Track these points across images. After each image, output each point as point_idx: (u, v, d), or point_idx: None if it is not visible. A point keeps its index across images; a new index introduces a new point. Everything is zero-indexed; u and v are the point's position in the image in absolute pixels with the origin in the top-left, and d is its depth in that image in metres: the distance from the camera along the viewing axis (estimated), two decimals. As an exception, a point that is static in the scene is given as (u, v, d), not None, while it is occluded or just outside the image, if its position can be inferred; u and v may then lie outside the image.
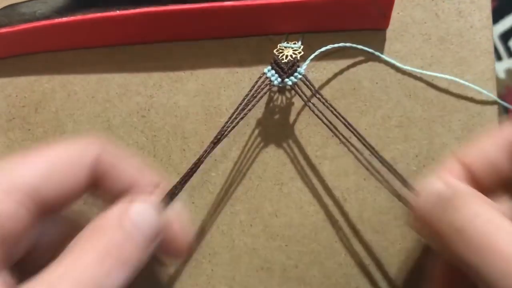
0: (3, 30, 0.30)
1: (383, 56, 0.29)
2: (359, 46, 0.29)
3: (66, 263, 0.18)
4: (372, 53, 0.29)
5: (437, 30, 0.30)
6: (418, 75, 0.29)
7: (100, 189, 0.22)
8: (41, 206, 0.20)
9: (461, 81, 0.29)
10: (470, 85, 0.29)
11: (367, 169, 0.29)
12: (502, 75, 0.44)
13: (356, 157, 0.30)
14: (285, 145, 0.30)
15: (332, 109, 0.28)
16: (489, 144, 0.22)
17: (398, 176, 0.27)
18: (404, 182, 0.27)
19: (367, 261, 0.30)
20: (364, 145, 0.28)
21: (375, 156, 0.28)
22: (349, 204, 0.30)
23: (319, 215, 0.30)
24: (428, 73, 0.29)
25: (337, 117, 0.28)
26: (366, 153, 0.29)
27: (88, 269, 0.17)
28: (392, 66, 0.29)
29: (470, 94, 0.29)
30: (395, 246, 0.29)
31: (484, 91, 0.29)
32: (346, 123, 0.28)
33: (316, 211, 0.30)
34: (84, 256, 0.18)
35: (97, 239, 0.19)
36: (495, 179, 0.22)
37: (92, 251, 0.18)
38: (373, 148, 0.28)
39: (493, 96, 0.29)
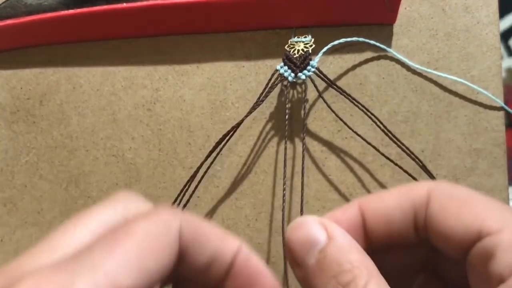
0: (9, 21, 0.30)
1: (394, 53, 0.29)
2: (372, 42, 0.29)
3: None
4: (384, 49, 0.29)
5: (444, 25, 0.30)
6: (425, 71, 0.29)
7: (182, 266, 0.19)
8: None
9: (469, 84, 0.29)
10: (477, 88, 0.29)
11: (373, 164, 0.29)
12: (502, 74, 0.44)
13: (361, 152, 0.30)
14: (291, 140, 0.30)
15: (351, 99, 0.28)
16: (392, 198, 0.21)
17: (419, 161, 0.28)
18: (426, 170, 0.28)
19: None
20: (385, 133, 0.28)
21: (398, 145, 0.28)
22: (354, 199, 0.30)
23: (324, 210, 0.30)
24: (437, 73, 0.29)
25: (355, 105, 0.28)
26: (372, 148, 0.29)
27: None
28: (399, 62, 0.29)
29: (476, 90, 0.29)
30: (400, 242, 0.29)
31: (489, 95, 0.29)
32: (365, 110, 0.28)
33: (321, 206, 0.30)
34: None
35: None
36: (387, 234, 0.21)
37: None
38: (393, 135, 0.28)
39: (497, 99, 0.29)
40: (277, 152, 0.30)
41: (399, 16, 0.29)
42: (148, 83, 0.30)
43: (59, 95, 0.31)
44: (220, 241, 0.19)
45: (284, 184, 0.28)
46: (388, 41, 0.30)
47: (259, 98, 0.28)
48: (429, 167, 0.29)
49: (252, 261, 0.19)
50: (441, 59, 0.29)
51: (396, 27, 0.30)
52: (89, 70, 0.31)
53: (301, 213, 0.27)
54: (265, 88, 0.28)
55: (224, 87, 0.30)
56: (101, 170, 0.30)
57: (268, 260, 0.30)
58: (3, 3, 0.30)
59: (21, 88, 0.31)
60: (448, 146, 0.29)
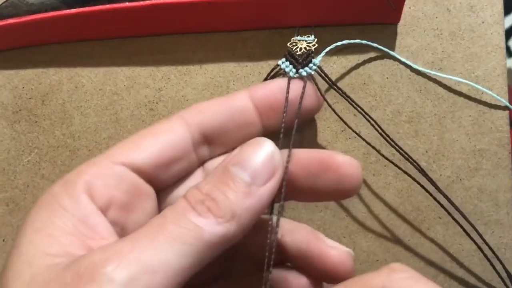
0: (11, 21, 0.29)
1: (397, 56, 0.29)
2: (374, 44, 0.29)
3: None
4: (387, 52, 0.29)
5: (448, 25, 0.29)
6: (429, 70, 0.29)
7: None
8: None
9: (474, 84, 0.29)
10: (482, 88, 0.29)
11: (377, 164, 0.29)
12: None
13: (365, 153, 0.29)
14: (294, 140, 0.30)
15: (350, 101, 0.28)
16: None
17: (416, 165, 0.28)
18: (425, 174, 0.27)
19: (375, 257, 0.29)
20: (383, 136, 0.28)
21: (394, 148, 0.28)
22: (358, 200, 0.29)
23: (328, 210, 0.30)
24: (441, 75, 0.29)
25: (354, 107, 0.28)
26: (376, 148, 0.29)
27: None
28: (403, 62, 0.29)
29: (480, 90, 0.29)
30: (404, 242, 0.29)
31: (494, 94, 0.29)
32: (363, 113, 0.28)
33: (324, 206, 0.30)
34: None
35: None
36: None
37: None
38: (391, 139, 0.28)
39: (502, 99, 0.29)
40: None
41: (403, 16, 0.29)
42: (150, 83, 0.30)
43: (61, 95, 0.31)
44: None
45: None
46: (392, 40, 0.29)
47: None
48: (433, 167, 0.29)
49: None
50: (445, 59, 0.29)
51: (400, 27, 0.29)
52: (91, 70, 0.31)
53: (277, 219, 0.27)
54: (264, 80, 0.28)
55: (227, 87, 0.30)
56: (104, 170, 0.30)
57: (271, 261, 0.30)
58: (4, 2, 0.30)
59: (23, 88, 0.31)
60: (452, 146, 0.29)
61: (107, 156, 0.23)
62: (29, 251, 0.20)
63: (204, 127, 0.25)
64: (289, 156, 0.24)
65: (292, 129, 0.25)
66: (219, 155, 0.26)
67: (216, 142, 0.26)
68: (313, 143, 0.30)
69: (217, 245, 0.20)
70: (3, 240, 0.31)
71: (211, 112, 0.25)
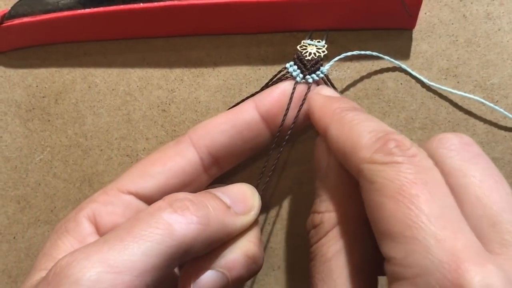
0: (26, 19, 0.30)
1: (409, 70, 0.29)
2: (386, 57, 0.28)
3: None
4: (399, 65, 0.29)
5: (464, 31, 0.29)
6: (444, 77, 0.29)
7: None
8: None
9: (483, 100, 0.29)
10: (490, 104, 0.29)
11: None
12: None
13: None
14: (305, 144, 0.30)
15: None
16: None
17: None
18: None
19: (386, 263, 0.29)
20: None
21: None
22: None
23: (338, 215, 0.29)
24: (453, 91, 0.29)
25: None
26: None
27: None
28: (417, 68, 0.29)
29: (495, 98, 0.29)
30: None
31: (502, 110, 0.28)
32: None
33: (335, 212, 0.29)
34: None
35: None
36: None
37: None
38: None
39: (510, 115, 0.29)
40: (290, 156, 0.30)
41: (418, 21, 0.29)
42: (163, 84, 0.30)
43: (75, 94, 0.31)
44: None
45: (266, 177, 0.28)
46: (407, 46, 0.29)
47: (263, 87, 0.28)
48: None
49: None
50: (460, 65, 0.29)
51: (416, 32, 0.29)
52: (104, 70, 0.31)
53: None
54: (268, 82, 0.28)
55: (240, 90, 0.30)
56: (115, 170, 0.30)
57: (279, 265, 0.30)
58: (20, 0, 0.30)
59: (37, 86, 0.31)
60: (466, 154, 0.29)
61: (117, 184, 0.24)
62: (30, 271, 0.22)
63: (213, 148, 0.25)
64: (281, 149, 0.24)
65: (298, 134, 0.25)
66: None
67: (226, 159, 0.26)
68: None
69: (186, 245, 0.20)
70: (14, 238, 0.31)
71: (219, 131, 0.25)
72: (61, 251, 0.21)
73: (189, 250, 0.20)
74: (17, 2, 0.30)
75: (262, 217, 0.30)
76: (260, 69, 0.30)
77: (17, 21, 0.29)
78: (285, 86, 0.26)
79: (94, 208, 0.23)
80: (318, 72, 0.27)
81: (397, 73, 0.29)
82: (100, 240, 0.20)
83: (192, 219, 0.20)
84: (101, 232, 0.23)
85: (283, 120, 0.25)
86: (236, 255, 0.23)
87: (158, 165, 0.24)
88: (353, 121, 0.21)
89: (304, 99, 0.26)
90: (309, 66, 0.27)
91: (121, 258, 0.19)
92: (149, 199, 0.24)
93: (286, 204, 0.30)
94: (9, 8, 0.29)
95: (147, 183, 0.24)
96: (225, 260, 0.23)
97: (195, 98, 0.30)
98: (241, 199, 0.24)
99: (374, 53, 0.28)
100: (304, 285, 0.30)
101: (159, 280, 0.20)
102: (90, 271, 0.18)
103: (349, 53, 0.28)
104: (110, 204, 0.23)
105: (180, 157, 0.24)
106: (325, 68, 0.27)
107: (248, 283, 0.30)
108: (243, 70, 0.30)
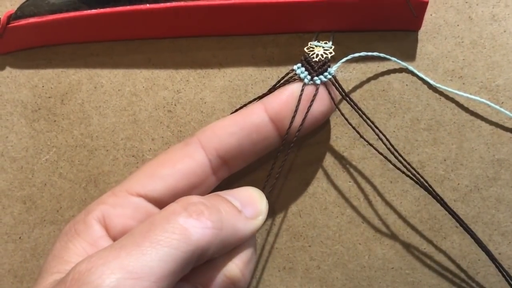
0: (32, 20, 0.30)
1: (415, 71, 0.29)
2: (392, 58, 0.28)
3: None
4: (405, 67, 0.29)
5: (470, 33, 0.29)
6: (449, 79, 0.29)
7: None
8: None
9: (489, 103, 0.29)
10: (495, 106, 0.29)
11: (394, 172, 0.29)
12: None
13: (383, 159, 0.29)
14: (311, 145, 0.30)
15: (361, 113, 0.28)
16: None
17: (423, 181, 0.27)
18: (427, 188, 0.27)
19: (391, 264, 0.29)
20: (389, 150, 0.28)
21: (400, 161, 0.27)
22: (374, 207, 0.29)
23: (344, 216, 0.30)
24: (459, 93, 0.29)
25: (365, 120, 0.28)
26: (393, 155, 0.29)
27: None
28: (423, 69, 0.29)
29: (501, 100, 0.29)
30: (419, 250, 0.29)
31: (507, 112, 0.28)
32: (374, 127, 0.28)
33: (340, 212, 0.30)
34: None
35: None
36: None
37: None
38: (399, 154, 0.28)
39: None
40: (296, 156, 0.30)
41: (424, 23, 0.29)
42: (169, 85, 0.30)
43: (81, 95, 0.31)
44: None
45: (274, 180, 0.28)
46: (412, 47, 0.29)
47: (270, 89, 0.28)
48: (451, 176, 0.29)
49: None
50: (466, 67, 0.29)
51: (421, 34, 0.29)
52: (110, 70, 0.31)
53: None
54: (275, 84, 0.28)
55: (245, 90, 0.30)
56: (121, 171, 0.30)
57: (285, 266, 0.30)
58: (26, 1, 0.30)
59: (43, 87, 0.31)
60: (471, 155, 0.29)
61: (126, 186, 0.24)
62: (41, 273, 0.22)
63: (222, 150, 0.25)
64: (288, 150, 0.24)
65: (306, 135, 0.25)
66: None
67: (234, 161, 0.26)
68: (329, 149, 0.30)
69: (201, 250, 0.20)
70: (20, 238, 0.31)
71: (228, 133, 0.25)
72: (72, 254, 0.21)
73: (203, 255, 0.20)
74: (24, 3, 0.30)
75: (268, 218, 0.30)
76: (265, 70, 0.30)
77: (23, 21, 0.30)
78: (294, 88, 0.26)
79: (104, 210, 0.23)
80: (325, 74, 0.27)
81: (402, 74, 0.29)
82: (116, 245, 0.20)
83: (207, 224, 0.20)
84: (111, 234, 0.23)
85: (291, 122, 0.25)
86: (214, 273, 0.23)
87: (167, 167, 0.24)
88: None
89: (313, 100, 0.26)
90: (316, 68, 0.27)
91: (139, 264, 0.18)
92: (158, 201, 0.23)
93: (292, 205, 0.30)
94: (16, 9, 0.30)
95: (156, 185, 0.23)
96: (204, 276, 0.22)
97: (201, 98, 0.30)
98: (250, 203, 0.24)
99: (381, 55, 0.28)
100: (310, 286, 0.30)
101: (173, 285, 0.20)
102: (110, 277, 0.18)
103: (356, 55, 0.28)
104: (120, 206, 0.23)
105: (189, 159, 0.24)
106: (333, 69, 0.27)
107: (253, 284, 0.30)
108: (249, 71, 0.30)
